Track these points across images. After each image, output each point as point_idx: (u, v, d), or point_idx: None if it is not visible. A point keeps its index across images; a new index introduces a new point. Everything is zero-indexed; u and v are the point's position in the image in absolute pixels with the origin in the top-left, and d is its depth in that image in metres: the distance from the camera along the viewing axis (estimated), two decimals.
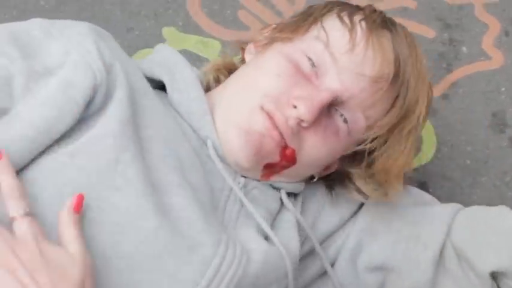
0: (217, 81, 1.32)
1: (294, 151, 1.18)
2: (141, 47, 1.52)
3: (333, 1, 1.29)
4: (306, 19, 1.26)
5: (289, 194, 1.26)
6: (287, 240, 1.19)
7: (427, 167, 1.50)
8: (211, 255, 1.08)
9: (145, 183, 1.06)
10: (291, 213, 1.24)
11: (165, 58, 1.27)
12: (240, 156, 1.17)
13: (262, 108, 1.17)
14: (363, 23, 1.21)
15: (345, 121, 1.20)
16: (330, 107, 1.19)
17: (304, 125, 1.17)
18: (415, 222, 1.28)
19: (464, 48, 1.62)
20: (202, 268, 1.07)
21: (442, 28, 1.65)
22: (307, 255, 1.28)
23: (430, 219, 1.28)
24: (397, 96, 1.21)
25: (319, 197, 1.31)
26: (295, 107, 1.16)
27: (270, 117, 1.16)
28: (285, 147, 1.17)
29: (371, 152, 1.23)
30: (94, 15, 1.62)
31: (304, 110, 1.15)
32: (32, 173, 1.02)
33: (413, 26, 1.64)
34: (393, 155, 1.23)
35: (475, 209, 1.31)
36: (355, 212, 1.32)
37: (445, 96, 1.57)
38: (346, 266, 1.30)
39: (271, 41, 1.26)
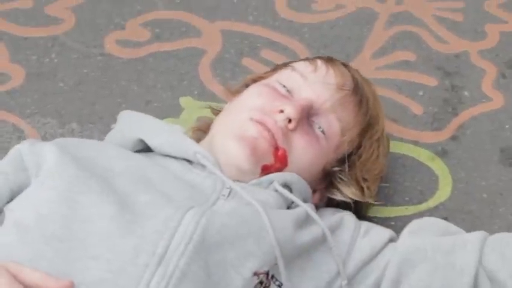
0: (198, 141, 1.43)
1: (285, 151, 1.34)
2: (162, 117, 1.59)
3: None
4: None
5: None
6: (277, 218, 1.26)
7: (446, 204, 1.56)
8: (173, 212, 1.19)
9: (105, 188, 1.22)
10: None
11: (129, 121, 1.45)
12: (239, 159, 1.32)
13: (251, 119, 1.35)
14: (321, 60, 1.46)
15: (323, 132, 1.38)
16: (308, 118, 1.38)
17: (291, 126, 1.34)
18: (448, 251, 1.33)
19: (466, 93, 1.71)
20: (166, 220, 1.18)
21: (443, 76, 1.74)
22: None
23: (462, 247, 1.33)
24: (360, 103, 1.42)
25: (351, 228, 1.37)
26: (281, 111, 1.34)
27: (260, 123, 1.34)
28: (277, 148, 1.33)
29: (350, 155, 1.41)
30: (112, 93, 1.70)
31: (291, 110, 1.34)
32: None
33: (415, 77, 1.74)
34: (370, 158, 1.43)
35: (502, 234, 1.38)
36: (386, 243, 1.37)
37: (454, 138, 1.65)
38: None
39: (246, 85, 1.47)
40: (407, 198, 1.57)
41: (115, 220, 1.18)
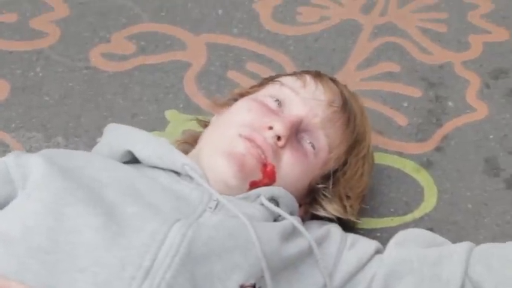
0: (186, 153, 1.43)
1: (273, 167, 1.35)
2: (147, 130, 1.58)
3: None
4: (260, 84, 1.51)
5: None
6: (264, 231, 1.26)
7: (432, 215, 1.57)
8: (160, 225, 1.19)
9: (92, 199, 1.22)
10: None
11: (115, 133, 1.45)
12: (227, 175, 1.32)
13: (240, 135, 1.34)
14: (309, 75, 1.46)
15: (312, 146, 1.39)
16: (298, 134, 1.38)
17: (280, 143, 1.35)
18: (434, 262, 1.34)
19: (450, 103, 1.73)
20: (153, 233, 1.18)
21: (427, 87, 1.75)
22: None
23: (448, 258, 1.34)
24: (348, 120, 1.43)
25: (338, 240, 1.37)
26: (270, 128, 1.35)
27: (250, 139, 1.34)
28: (265, 164, 1.34)
29: (335, 172, 1.41)
30: (97, 106, 1.70)
31: (280, 127, 1.34)
32: None
33: (400, 88, 1.75)
34: (354, 175, 1.44)
35: (488, 245, 1.39)
36: (373, 255, 1.38)
37: (439, 149, 1.66)
38: None
39: (233, 100, 1.46)
40: (392, 210, 1.58)
41: (101, 232, 1.18)
